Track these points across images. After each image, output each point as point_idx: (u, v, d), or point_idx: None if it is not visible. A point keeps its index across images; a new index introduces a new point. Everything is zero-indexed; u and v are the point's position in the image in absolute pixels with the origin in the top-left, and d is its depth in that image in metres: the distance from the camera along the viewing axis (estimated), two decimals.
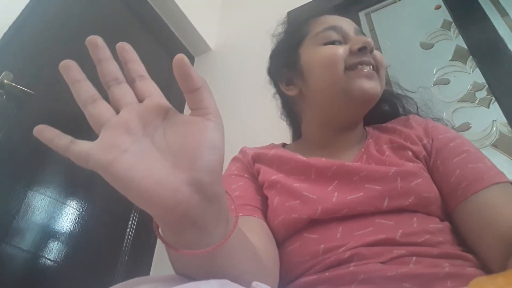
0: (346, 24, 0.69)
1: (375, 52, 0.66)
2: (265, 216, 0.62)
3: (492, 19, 1.39)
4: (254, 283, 0.35)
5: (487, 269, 0.50)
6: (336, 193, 0.57)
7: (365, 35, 0.71)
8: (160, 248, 1.65)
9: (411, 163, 0.59)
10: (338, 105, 0.67)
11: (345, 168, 0.59)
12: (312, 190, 0.58)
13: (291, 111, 0.85)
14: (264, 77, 2.01)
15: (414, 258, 0.48)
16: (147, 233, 1.66)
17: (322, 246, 0.52)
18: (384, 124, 0.74)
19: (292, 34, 0.78)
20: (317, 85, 0.69)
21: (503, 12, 1.39)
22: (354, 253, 0.49)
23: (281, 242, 0.59)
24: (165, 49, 2.15)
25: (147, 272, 1.58)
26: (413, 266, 0.47)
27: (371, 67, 0.64)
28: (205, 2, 2.35)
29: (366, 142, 0.68)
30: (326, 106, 0.69)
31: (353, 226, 0.53)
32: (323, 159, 0.62)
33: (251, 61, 1.99)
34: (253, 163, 0.70)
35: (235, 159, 0.76)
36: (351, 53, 0.64)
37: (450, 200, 0.57)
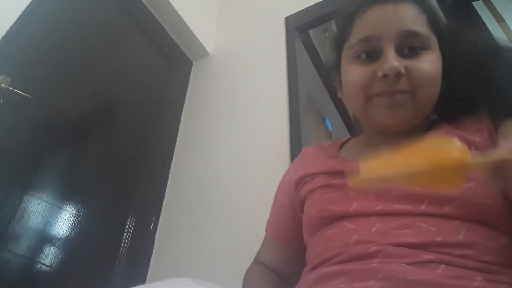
0: (387, 28, 0.61)
1: (413, 68, 0.58)
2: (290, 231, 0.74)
3: (488, 25, 1.40)
4: None
5: None
6: (373, 188, 0.56)
7: (415, 32, 0.61)
8: (157, 254, 1.64)
9: None
10: (371, 126, 0.67)
11: None
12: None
13: None
14: (261, 82, 2.03)
15: (442, 265, 0.44)
16: (144, 238, 1.65)
17: (355, 237, 0.52)
18: (461, 119, 0.63)
19: (339, 33, 0.73)
20: (349, 104, 0.69)
21: (499, 18, 1.40)
22: (379, 249, 0.48)
23: (318, 229, 0.61)
24: (163, 54, 2.15)
25: (143, 278, 1.56)
26: (439, 274, 0.44)
27: (398, 94, 0.58)
28: (203, 6, 2.36)
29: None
30: (363, 121, 0.70)
31: (391, 223, 0.51)
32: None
33: (249, 65, 2.00)
34: (295, 187, 0.73)
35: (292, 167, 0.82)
36: (377, 78, 0.59)
37: None
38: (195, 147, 1.89)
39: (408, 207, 0.51)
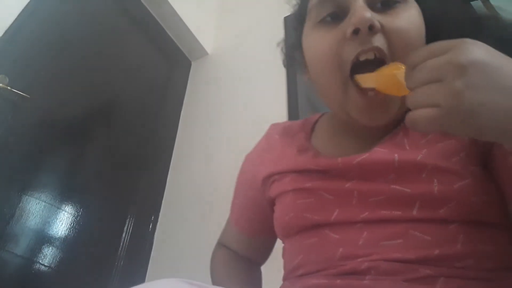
0: None
1: (391, 27, 0.47)
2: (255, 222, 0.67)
3: None
4: None
5: None
6: (355, 192, 0.48)
7: None
8: (156, 254, 1.64)
9: (456, 158, 0.45)
10: (346, 117, 0.53)
11: (365, 167, 0.49)
12: (328, 187, 0.50)
13: None
14: (260, 81, 2.02)
15: (441, 278, 0.40)
16: (143, 238, 1.65)
17: (341, 250, 0.46)
18: None
19: (299, 1, 0.62)
20: (319, 88, 0.55)
21: None
22: (372, 265, 0.43)
23: (294, 234, 0.53)
24: (162, 54, 2.15)
25: (142, 278, 1.56)
26: None
27: (373, 53, 0.47)
28: (202, 7, 2.36)
29: (402, 125, 0.52)
30: (338, 112, 0.56)
31: (380, 233, 0.45)
32: (339, 160, 0.51)
33: (247, 65, 2.00)
34: (261, 184, 0.62)
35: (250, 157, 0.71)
36: (347, 39, 0.47)
37: None
38: (194, 147, 1.89)
39: (398, 213, 0.44)
